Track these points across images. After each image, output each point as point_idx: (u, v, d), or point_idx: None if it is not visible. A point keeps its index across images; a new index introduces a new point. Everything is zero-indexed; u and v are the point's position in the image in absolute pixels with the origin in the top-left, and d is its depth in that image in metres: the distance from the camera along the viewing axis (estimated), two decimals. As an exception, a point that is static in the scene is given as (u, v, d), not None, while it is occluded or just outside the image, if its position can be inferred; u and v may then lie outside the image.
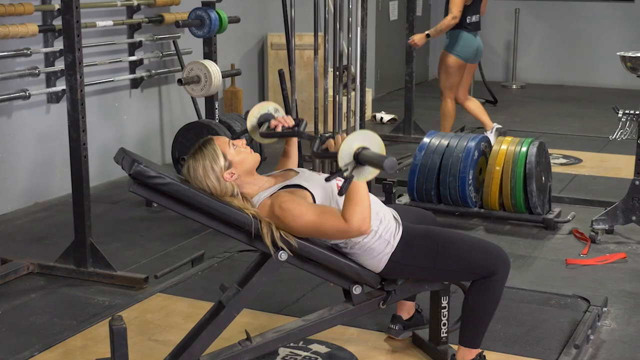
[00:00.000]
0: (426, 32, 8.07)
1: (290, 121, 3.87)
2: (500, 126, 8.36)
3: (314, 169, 5.58)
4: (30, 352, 4.02)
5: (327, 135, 3.69)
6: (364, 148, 3.25)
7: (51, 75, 6.65)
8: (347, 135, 3.29)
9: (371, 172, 3.29)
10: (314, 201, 3.48)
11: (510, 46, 13.17)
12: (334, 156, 3.30)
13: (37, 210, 6.49)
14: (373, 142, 3.29)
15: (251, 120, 3.95)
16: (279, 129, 3.84)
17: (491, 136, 8.08)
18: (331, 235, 3.45)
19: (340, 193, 3.28)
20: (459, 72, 8.10)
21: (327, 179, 3.41)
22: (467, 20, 7.98)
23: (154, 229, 6.01)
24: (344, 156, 3.25)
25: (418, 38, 8.10)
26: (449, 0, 7.83)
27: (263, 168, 3.83)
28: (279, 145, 4.66)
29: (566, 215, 6.15)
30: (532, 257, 5.48)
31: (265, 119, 3.93)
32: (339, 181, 3.63)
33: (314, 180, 3.56)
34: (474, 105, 8.40)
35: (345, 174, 3.26)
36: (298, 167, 3.87)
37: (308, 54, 8.63)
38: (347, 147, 3.25)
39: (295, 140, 4.01)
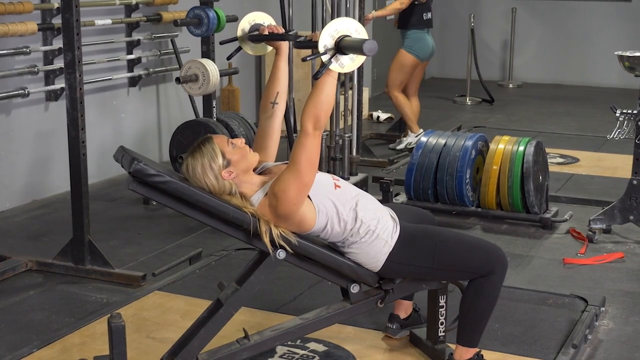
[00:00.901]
0: (372, 12, 8.22)
1: (280, 29, 3.89)
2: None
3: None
4: (28, 348, 4.03)
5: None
6: (346, 36, 3.24)
7: (50, 74, 6.65)
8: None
9: (350, 63, 3.27)
10: (309, 197, 3.49)
11: (507, 45, 13.17)
12: (315, 45, 3.28)
13: (35, 208, 6.49)
14: (356, 31, 3.28)
15: (242, 27, 3.95)
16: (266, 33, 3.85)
17: (410, 139, 8.35)
18: (306, 159, 3.36)
19: (315, 77, 3.26)
20: (412, 70, 8.35)
21: (302, 59, 3.35)
22: (424, 17, 8.18)
23: (152, 227, 6.01)
24: (325, 39, 3.24)
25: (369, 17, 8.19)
26: None
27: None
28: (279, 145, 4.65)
29: (563, 214, 6.16)
30: (530, 257, 5.49)
31: (256, 28, 3.95)
32: (335, 180, 3.64)
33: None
34: (414, 106, 8.58)
35: (323, 59, 3.23)
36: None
37: (305, 52, 8.63)
38: (330, 31, 3.24)
39: (285, 52, 3.90)
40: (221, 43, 4.15)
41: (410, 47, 8.22)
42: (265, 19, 4.00)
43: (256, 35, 3.87)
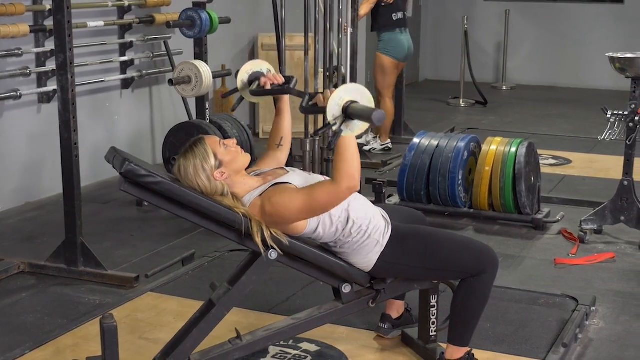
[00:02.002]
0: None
1: (280, 79, 3.89)
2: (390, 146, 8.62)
3: (304, 169, 5.60)
4: (21, 350, 4.03)
5: (316, 92, 3.69)
6: (352, 102, 3.27)
7: (42, 76, 6.65)
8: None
9: (359, 126, 3.30)
10: None
11: (500, 47, 13.20)
12: (322, 111, 3.30)
13: (28, 210, 6.50)
14: (362, 96, 3.30)
15: (241, 78, 3.96)
16: (269, 87, 3.86)
17: (376, 145, 8.46)
18: (325, 204, 3.42)
19: (329, 147, 3.29)
20: (394, 71, 8.42)
21: (314, 133, 3.39)
22: (393, 18, 8.25)
23: (145, 229, 6.02)
24: (333, 110, 3.26)
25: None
26: None
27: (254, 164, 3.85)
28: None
29: (555, 215, 6.18)
30: (521, 257, 5.51)
31: (255, 77, 3.95)
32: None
33: (303, 179, 3.58)
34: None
35: (333, 128, 3.26)
36: (288, 166, 3.88)
37: (299, 54, 8.64)
38: (336, 99, 3.25)
39: (286, 99, 3.97)
40: (223, 97, 4.20)
41: (384, 48, 8.31)
42: (262, 66, 4.00)
43: (258, 91, 3.88)
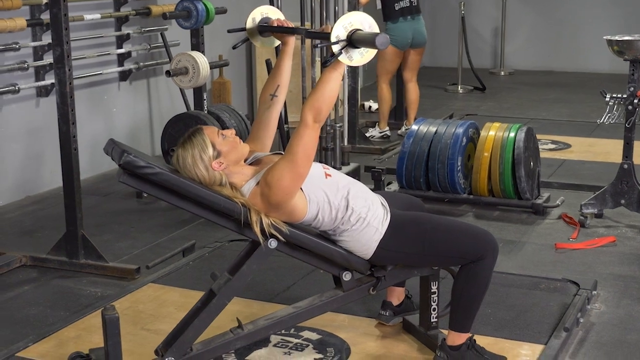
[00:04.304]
0: None
1: (290, 23, 3.90)
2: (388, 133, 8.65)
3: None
4: (24, 343, 4.05)
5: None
6: (358, 29, 3.27)
7: (40, 69, 6.65)
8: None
9: (359, 58, 3.30)
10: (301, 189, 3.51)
11: (498, 33, 13.19)
12: (327, 36, 3.30)
13: (28, 204, 6.50)
14: (370, 27, 3.30)
15: (253, 16, 3.96)
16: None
17: (375, 132, 8.53)
18: (304, 149, 3.38)
19: (323, 65, 3.29)
20: (395, 58, 8.40)
21: (314, 45, 3.36)
22: (395, 7, 8.25)
23: (145, 220, 6.02)
24: (338, 30, 3.26)
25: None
26: None
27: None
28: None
29: (555, 200, 6.19)
30: (522, 242, 5.51)
31: (265, 21, 3.95)
32: (326, 169, 3.65)
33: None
34: (412, 93, 8.67)
35: (333, 48, 3.26)
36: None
37: (295, 44, 8.62)
38: (344, 22, 3.26)
39: (291, 46, 3.94)
40: (229, 31, 4.16)
41: None
42: (276, 14, 4.01)
43: (266, 26, 3.88)
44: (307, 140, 3.39)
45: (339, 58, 3.29)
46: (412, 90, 8.63)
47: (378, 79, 8.49)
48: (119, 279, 4.93)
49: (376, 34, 3.17)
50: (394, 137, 8.58)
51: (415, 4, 8.34)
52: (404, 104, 9.01)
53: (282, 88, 3.89)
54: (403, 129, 8.67)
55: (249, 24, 3.95)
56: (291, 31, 3.88)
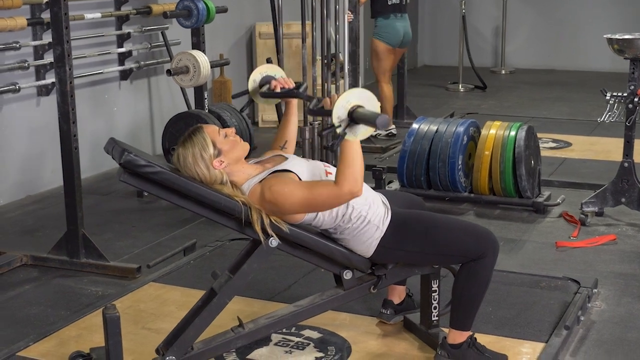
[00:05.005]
0: None
1: (290, 83, 3.91)
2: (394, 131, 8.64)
3: (304, 155, 5.60)
4: (25, 342, 4.04)
5: (324, 97, 3.70)
6: (358, 106, 3.28)
7: (40, 68, 6.65)
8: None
9: (364, 131, 3.31)
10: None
11: (498, 32, 13.19)
12: (329, 113, 3.32)
13: (29, 203, 6.50)
14: (368, 101, 3.32)
15: (253, 78, 3.97)
16: (278, 90, 3.87)
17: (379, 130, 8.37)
18: (325, 204, 3.44)
19: (332, 149, 3.30)
20: (389, 56, 8.45)
21: (319, 134, 3.40)
22: (388, 3, 8.30)
23: (146, 220, 6.03)
24: (339, 112, 3.28)
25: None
26: None
27: (253, 156, 3.85)
28: (269, 135, 4.69)
29: (556, 198, 6.18)
30: (522, 241, 5.51)
31: (266, 80, 3.96)
32: (327, 167, 3.66)
33: (302, 165, 3.59)
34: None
35: (337, 130, 3.28)
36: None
37: (296, 42, 8.63)
38: (342, 103, 3.27)
39: (295, 103, 3.99)
40: (233, 97, 4.21)
41: (378, 34, 8.39)
42: (276, 72, 4.02)
43: (268, 93, 3.90)
44: (334, 202, 3.44)
45: (345, 138, 3.31)
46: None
47: (378, 79, 8.52)
48: (119, 278, 4.94)
49: (377, 115, 3.19)
50: (399, 135, 8.57)
51: (404, 2, 8.36)
52: (404, 102, 9.04)
53: (290, 142, 3.98)
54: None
55: (251, 85, 3.98)
56: (292, 95, 3.90)
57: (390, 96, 8.58)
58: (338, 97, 3.30)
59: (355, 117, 3.26)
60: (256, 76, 3.98)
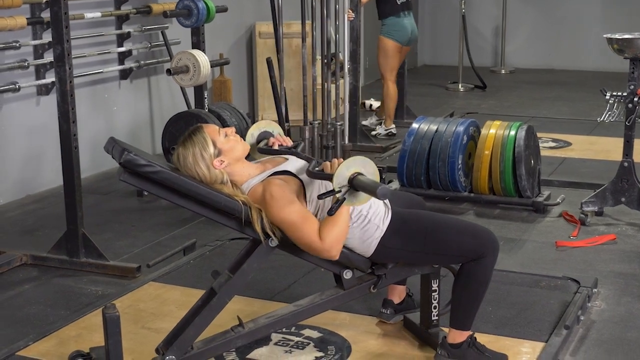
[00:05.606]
0: None
1: (288, 141, 3.93)
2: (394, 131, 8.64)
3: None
4: (24, 342, 4.05)
5: (323, 160, 3.73)
6: (359, 173, 3.30)
7: (40, 68, 6.65)
8: (343, 160, 3.35)
9: (363, 198, 3.35)
10: (304, 189, 3.51)
11: (498, 31, 13.18)
12: (328, 177, 3.36)
13: (28, 203, 6.50)
14: (368, 169, 3.35)
15: (251, 132, 4.00)
16: (276, 147, 3.89)
17: (380, 130, 8.55)
18: (302, 242, 3.47)
19: (330, 213, 3.32)
20: (397, 54, 8.46)
21: (319, 197, 3.42)
22: (397, 2, 8.31)
23: (146, 219, 6.02)
24: (340, 178, 3.31)
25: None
26: None
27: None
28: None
29: (556, 198, 6.18)
30: (522, 240, 5.51)
31: (263, 136, 3.99)
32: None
33: (301, 167, 3.59)
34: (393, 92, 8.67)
35: (337, 196, 3.31)
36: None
37: (296, 42, 8.63)
38: (344, 170, 3.31)
39: None
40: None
41: (387, 32, 8.37)
42: (274, 128, 4.03)
43: (266, 149, 3.92)
44: (310, 249, 3.47)
45: (344, 204, 3.33)
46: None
47: (384, 77, 8.49)
48: (119, 277, 4.94)
49: (377, 185, 3.23)
50: (399, 135, 8.58)
51: (408, 0, 8.38)
52: (404, 102, 9.05)
53: None
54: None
55: (248, 140, 3.99)
56: (289, 154, 3.90)
57: (395, 95, 8.56)
58: (338, 164, 3.33)
59: (355, 185, 3.30)
60: (254, 131, 4.01)
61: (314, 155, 5.88)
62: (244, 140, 3.72)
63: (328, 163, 3.49)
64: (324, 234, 3.41)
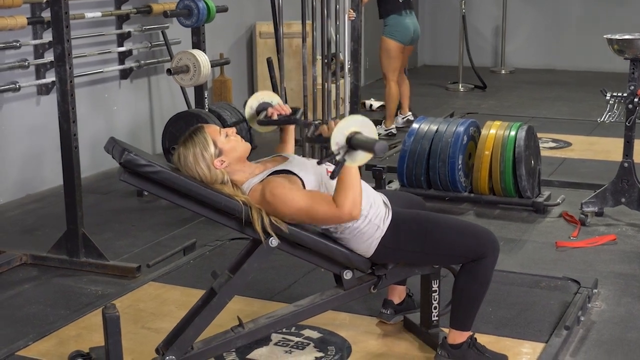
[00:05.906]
0: None
1: (287, 109, 3.91)
2: (394, 131, 8.67)
3: (304, 155, 5.60)
4: (24, 341, 4.05)
5: (320, 121, 3.72)
6: (356, 132, 3.28)
7: (41, 67, 6.65)
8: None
9: (362, 157, 3.32)
10: (304, 187, 3.51)
11: (498, 31, 13.18)
12: (327, 141, 3.33)
13: (28, 202, 6.50)
14: (366, 127, 3.32)
15: (250, 104, 3.98)
16: (275, 117, 3.87)
17: (380, 130, 8.52)
18: (322, 220, 3.47)
19: (332, 177, 3.31)
20: (399, 54, 8.49)
21: (318, 162, 3.42)
22: (400, 0, 8.33)
23: (146, 219, 6.02)
24: (337, 139, 3.28)
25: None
26: None
27: (253, 156, 3.85)
28: (269, 135, 4.69)
29: (556, 198, 6.18)
30: (522, 241, 5.51)
31: (262, 107, 3.97)
32: (328, 166, 3.65)
33: (304, 166, 3.59)
34: (402, 87, 8.76)
35: (337, 158, 3.29)
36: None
37: (297, 42, 8.63)
38: (340, 130, 3.28)
39: (292, 128, 4.03)
40: (231, 125, 4.22)
41: (390, 32, 8.37)
42: (272, 98, 4.02)
43: (266, 120, 3.91)
44: (332, 220, 3.47)
45: (345, 164, 3.32)
46: (403, 83, 8.69)
47: (386, 77, 8.50)
48: (119, 277, 4.93)
49: (375, 141, 3.21)
50: (399, 136, 8.58)
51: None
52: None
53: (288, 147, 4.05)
54: (400, 119, 8.72)
55: (248, 112, 3.98)
56: (289, 122, 3.93)
57: (397, 95, 8.59)
58: (335, 125, 3.31)
59: (353, 144, 3.28)
60: (253, 103, 3.99)
61: (313, 155, 5.87)
62: (244, 138, 3.71)
63: (325, 126, 3.45)
64: (340, 201, 3.38)
